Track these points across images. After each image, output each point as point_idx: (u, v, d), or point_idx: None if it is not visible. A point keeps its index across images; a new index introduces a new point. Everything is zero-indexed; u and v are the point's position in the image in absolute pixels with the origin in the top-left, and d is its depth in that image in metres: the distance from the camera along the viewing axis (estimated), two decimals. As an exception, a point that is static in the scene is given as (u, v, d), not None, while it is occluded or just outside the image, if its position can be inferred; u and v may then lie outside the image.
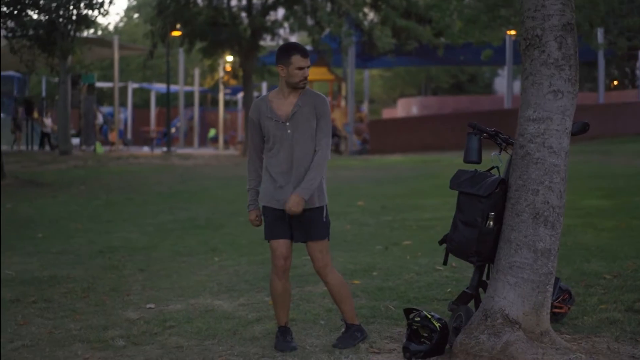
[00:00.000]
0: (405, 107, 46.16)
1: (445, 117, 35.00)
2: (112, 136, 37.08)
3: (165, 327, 6.23)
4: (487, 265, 5.51)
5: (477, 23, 23.49)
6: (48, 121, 34.07)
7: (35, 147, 35.73)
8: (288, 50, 5.36)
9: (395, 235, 10.52)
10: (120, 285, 7.77)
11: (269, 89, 49.09)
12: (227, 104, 46.10)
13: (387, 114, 51.20)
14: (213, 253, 9.43)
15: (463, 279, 7.52)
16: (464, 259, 5.44)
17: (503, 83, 55.71)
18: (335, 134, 31.54)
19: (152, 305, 6.91)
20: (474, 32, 23.69)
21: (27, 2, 27.57)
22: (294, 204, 5.28)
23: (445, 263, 5.67)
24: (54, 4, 27.31)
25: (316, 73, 34.35)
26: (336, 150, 31.29)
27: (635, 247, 9.03)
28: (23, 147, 35.32)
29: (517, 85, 49.18)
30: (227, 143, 39.75)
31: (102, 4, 27.76)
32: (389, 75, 53.88)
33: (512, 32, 28.37)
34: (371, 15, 29.75)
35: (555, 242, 5.18)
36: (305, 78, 5.34)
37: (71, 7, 27.88)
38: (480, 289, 5.57)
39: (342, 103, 34.41)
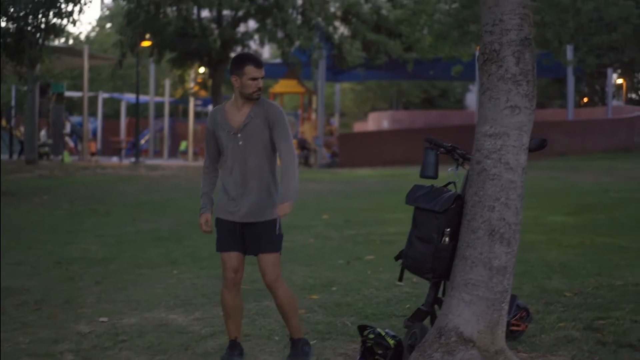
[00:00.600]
0: (376, 121, 46.21)
1: (415, 131, 35.06)
2: (92, 146, 36.75)
3: (117, 341, 6.10)
4: (443, 282, 5.44)
5: (448, 38, 23.55)
6: (22, 129, 33.74)
7: (5, 156, 35.36)
8: (242, 60, 5.29)
9: (358, 249, 10.44)
10: (74, 297, 7.62)
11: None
12: (198, 115, 45.90)
13: (358, 127, 51.23)
14: (172, 265, 9.30)
15: (423, 295, 7.40)
16: (419, 275, 5.37)
17: (473, 98, 56.03)
18: (304, 146, 31.49)
19: (105, 319, 6.77)
20: (444, 47, 23.76)
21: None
22: (283, 211, 5.27)
23: (400, 280, 5.59)
24: (23, 12, 27.09)
25: (286, 85, 34.34)
26: (305, 163, 31.21)
27: (598, 264, 9.01)
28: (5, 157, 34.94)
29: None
30: (197, 154, 39.53)
31: (71, 13, 27.59)
32: (360, 88, 53.94)
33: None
34: (342, 28, 29.73)
35: (511, 259, 5.11)
36: (259, 89, 5.27)
37: (40, 16, 27.68)
38: (437, 306, 5.50)
39: (313, 116, 34.36)
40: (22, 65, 28.75)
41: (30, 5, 26.47)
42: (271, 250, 5.41)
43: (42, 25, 27.88)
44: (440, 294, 5.50)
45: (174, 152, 42.88)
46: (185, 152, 40.87)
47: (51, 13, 27.59)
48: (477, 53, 29.95)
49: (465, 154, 5.47)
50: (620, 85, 51.17)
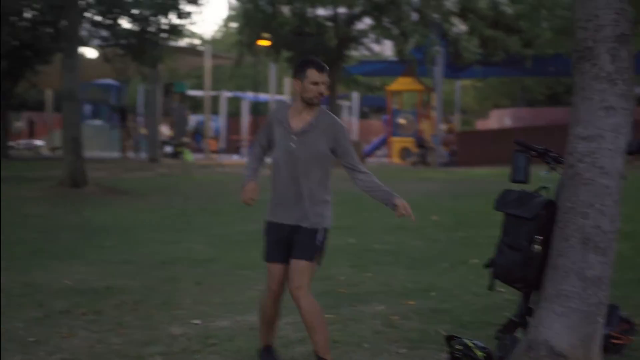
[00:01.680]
0: (498, 119, 45.31)
1: (538, 129, 34.19)
2: (212, 144, 37.45)
3: (207, 344, 6.08)
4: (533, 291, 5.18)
5: (569, 33, 22.80)
6: (164, 129, 34.63)
7: (130, 154, 36.35)
8: (304, 63, 5.16)
9: (465, 252, 10.16)
10: (172, 298, 7.66)
11: (361, 99, 49.00)
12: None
13: (480, 125, 50.40)
14: (274, 267, 9.25)
15: (524, 302, 7.15)
16: (509, 284, 5.14)
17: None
18: (422, 145, 31.14)
19: (198, 321, 6.76)
20: (564, 42, 23.04)
21: (120, 11, 28.14)
22: (406, 207, 5.25)
23: (490, 288, 5.35)
24: (146, 14, 27.78)
25: (404, 83, 34.04)
26: (423, 161, 30.87)
27: None
28: (131, 154, 35.91)
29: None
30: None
31: (190, 14, 28.14)
32: (481, 85, 53.04)
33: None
34: (458, 25, 29.24)
35: (607, 269, 4.82)
36: (320, 94, 5.11)
37: (161, 17, 28.34)
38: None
39: (432, 114, 33.97)
40: (145, 65, 29.54)
41: (152, 7, 27.14)
42: (303, 257, 5.19)
43: (164, 26, 28.57)
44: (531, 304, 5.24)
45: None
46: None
47: (172, 14, 28.24)
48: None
49: (558, 157, 5.20)
50: None
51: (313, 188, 5.19)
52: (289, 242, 5.25)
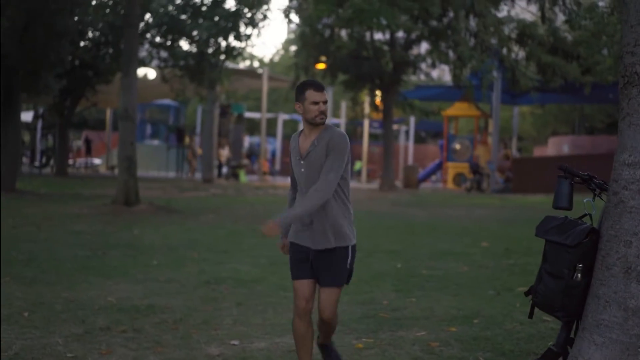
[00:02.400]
0: (556, 146, 44.76)
1: (596, 157, 33.69)
2: (265, 166, 37.67)
3: (243, 365, 6.03)
4: (576, 321, 5.03)
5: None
6: (225, 152, 34.91)
7: (186, 175, 36.69)
8: (302, 86, 5.23)
9: (512, 280, 9.98)
10: (213, 318, 7.63)
11: (417, 124, 48.81)
12: (373, 137, 46.06)
13: (537, 152, 49.85)
14: (317, 289, 9.18)
15: (570, 332, 6.98)
16: (549, 313, 5.00)
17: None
18: (477, 171, 30.87)
19: (236, 342, 6.72)
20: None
21: (179, 33, 28.53)
22: (264, 227, 5.15)
23: (530, 316, 5.22)
24: (205, 36, 28.12)
25: (461, 108, 33.86)
26: (478, 187, 30.59)
27: None
28: (197, 175, 36.17)
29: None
30: (369, 175, 39.62)
31: (249, 37, 28.42)
32: (539, 112, 52.52)
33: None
34: (516, 50, 28.98)
35: (650, 300, 4.66)
36: (322, 113, 5.14)
37: (220, 39, 28.66)
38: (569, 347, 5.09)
39: (489, 140, 33.69)
40: (203, 86, 29.87)
41: (211, 29, 27.45)
42: (334, 284, 5.25)
43: (222, 48, 28.90)
44: (573, 334, 5.10)
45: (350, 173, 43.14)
46: (359, 173, 41.04)
47: (231, 36, 28.56)
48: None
49: (603, 183, 5.06)
50: None
51: (329, 207, 5.17)
52: (314, 264, 5.27)
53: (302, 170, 5.23)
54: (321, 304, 5.29)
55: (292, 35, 65.38)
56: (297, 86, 5.31)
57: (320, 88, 5.19)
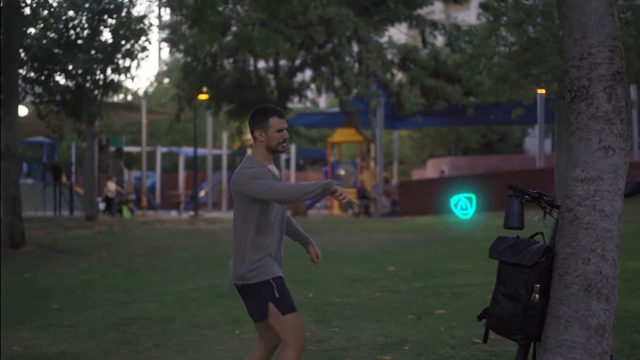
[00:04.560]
0: (435, 168, 45.60)
1: (475, 177, 34.43)
2: (143, 200, 36.82)
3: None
4: (532, 343, 4.91)
5: (507, 81, 23.02)
6: (112, 186, 33.81)
7: (65, 213, 35.49)
8: (264, 112, 5.02)
9: (428, 303, 9.90)
10: (132, 362, 7.23)
11: (297, 151, 48.89)
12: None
13: (416, 174, 50.65)
14: (234, 325, 8.86)
15: (503, 353, 6.91)
16: (506, 336, 4.85)
17: (533, 142, 55.14)
18: (364, 195, 31.02)
19: (165, 386, 6.36)
20: (504, 90, 23.23)
21: (54, 67, 27.62)
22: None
23: (485, 341, 5.07)
24: (81, 69, 27.32)
25: (344, 134, 34.02)
26: (366, 212, 30.72)
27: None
28: (65, 213, 34.98)
29: (547, 144, 48.53)
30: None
31: (128, 69, 27.77)
32: (418, 135, 53.49)
33: (542, 91, 27.82)
34: (399, 75, 29.37)
35: (610, 317, 4.60)
36: (284, 140, 5.03)
37: (98, 72, 27.91)
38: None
39: (371, 164, 33.94)
40: (81, 122, 28.97)
41: (88, 62, 26.69)
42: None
43: (100, 82, 28.14)
44: (529, 356, 4.97)
45: (232, 204, 42.75)
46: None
47: (109, 69, 27.84)
48: (538, 96, 29.47)
49: (552, 200, 4.97)
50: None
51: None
52: None
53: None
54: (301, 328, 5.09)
55: (165, 67, 64.66)
56: (256, 112, 5.06)
57: (282, 114, 5.04)
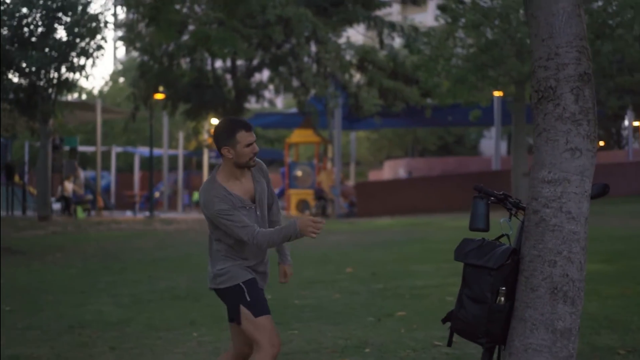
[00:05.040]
0: (392, 169, 45.71)
1: (432, 179, 34.55)
2: (99, 200, 36.37)
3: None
4: (497, 346, 4.86)
5: (465, 83, 23.12)
6: (70, 185, 33.25)
7: (18, 213, 34.93)
8: (230, 128, 4.77)
9: (388, 305, 9.84)
10: (88, 366, 7.06)
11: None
12: (211, 167, 45.52)
13: (373, 176, 50.72)
14: (192, 327, 8.73)
15: (464, 356, 6.86)
16: (471, 340, 4.78)
17: (488, 144, 55.51)
18: (322, 196, 30.94)
19: (121, 391, 6.21)
20: (462, 92, 23.33)
21: (7, 65, 27.14)
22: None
23: (449, 344, 5.01)
24: (35, 68, 26.87)
25: (302, 135, 33.90)
26: (323, 213, 30.65)
27: (647, 318, 8.41)
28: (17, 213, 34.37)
29: (503, 147, 48.88)
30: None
31: (83, 67, 27.36)
32: (375, 137, 53.57)
33: (499, 93, 28.00)
34: (357, 76, 29.34)
35: (576, 320, 4.56)
36: (255, 154, 4.79)
37: (52, 70, 27.47)
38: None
39: (328, 165, 33.88)
40: (35, 121, 28.51)
41: (41, 61, 26.26)
42: None
43: (55, 80, 27.70)
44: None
45: (188, 204, 42.42)
46: (198, 204, 40.34)
47: (63, 67, 27.41)
48: (495, 98, 29.64)
49: (518, 202, 4.92)
50: (637, 128, 50.61)
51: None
52: None
53: (258, 213, 4.90)
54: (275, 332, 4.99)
55: (121, 67, 64.06)
56: (221, 128, 4.82)
57: (249, 127, 4.81)
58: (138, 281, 12.57)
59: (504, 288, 4.59)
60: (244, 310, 4.80)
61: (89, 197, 34.33)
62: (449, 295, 10.28)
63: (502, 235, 4.90)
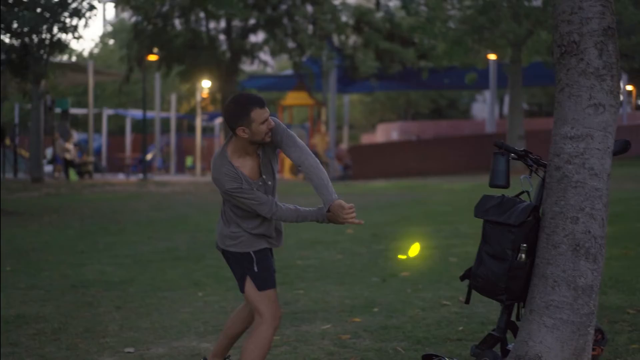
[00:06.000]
0: (385, 132, 45.63)
1: (425, 142, 34.48)
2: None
3: (147, 375, 5.50)
4: (515, 304, 4.83)
5: (462, 45, 23.00)
6: (70, 146, 33.00)
7: (9, 175, 34.78)
8: (244, 107, 4.54)
9: (391, 265, 9.82)
10: (95, 325, 7.01)
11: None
12: (203, 130, 45.37)
13: (365, 139, 50.63)
14: (196, 287, 8.69)
15: (473, 315, 6.84)
16: (491, 297, 4.76)
17: (480, 108, 55.46)
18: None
19: (131, 349, 6.17)
20: (458, 54, 23.21)
21: (-2, 25, 26.85)
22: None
23: (467, 302, 4.97)
24: (27, 28, 26.59)
25: (296, 98, 33.77)
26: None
27: (650, 277, 8.43)
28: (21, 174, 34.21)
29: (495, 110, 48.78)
30: (205, 170, 38.95)
31: (76, 28, 27.10)
32: (368, 100, 53.39)
33: (494, 56, 27.84)
34: (354, 38, 29.11)
35: (598, 277, 4.52)
36: (270, 130, 4.59)
37: (44, 31, 27.19)
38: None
39: (322, 128, 33.78)
40: (27, 82, 28.28)
41: (33, 21, 25.98)
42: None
43: (47, 41, 27.43)
44: (513, 317, 4.89)
45: (180, 167, 42.33)
46: (192, 168, 40.26)
47: (55, 28, 27.13)
48: (490, 62, 29.51)
49: (539, 159, 4.87)
50: (630, 92, 50.61)
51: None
52: None
53: (270, 183, 4.72)
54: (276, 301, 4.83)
55: (110, 29, 63.48)
56: (234, 107, 4.59)
57: (263, 103, 4.59)
58: (137, 242, 12.52)
59: (525, 245, 4.55)
60: (249, 280, 4.71)
61: (91, 159, 34.10)
62: (451, 256, 10.28)
63: (522, 192, 4.85)
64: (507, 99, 48.71)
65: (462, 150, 28.56)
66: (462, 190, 20.99)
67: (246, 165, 4.65)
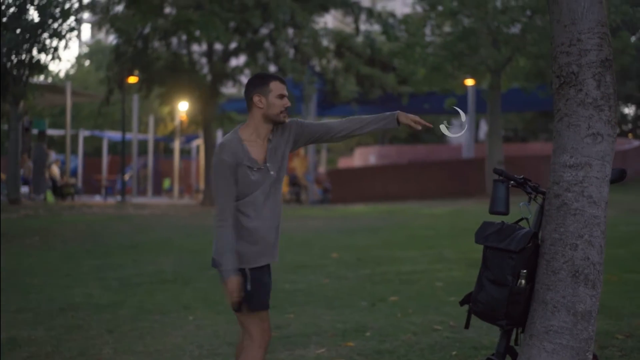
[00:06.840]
0: (363, 156, 45.78)
1: (402, 166, 34.66)
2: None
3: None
4: (514, 329, 4.91)
5: (441, 71, 23.22)
6: (57, 170, 32.79)
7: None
8: (265, 76, 4.61)
9: (379, 290, 9.89)
10: (88, 348, 7.03)
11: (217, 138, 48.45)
12: (180, 152, 45.32)
13: (343, 163, 50.77)
14: (186, 311, 8.71)
15: (465, 339, 6.92)
16: (491, 322, 4.83)
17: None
18: (295, 183, 30.95)
19: (128, 373, 6.19)
20: (438, 80, 23.42)
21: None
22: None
23: (467, 327, 5.05)
24: (5, 48, 26.53)
25: (275, 121, 33.78)
26: (297, 199, 30.66)
27: (636, 303, 8.55)
28: None
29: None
30: (182, 193, 38.88)
31: (56, 49, 27.07)
32: (346, 124, 53.45)
33: (472, 82, 28.08)
34: (334, 62, 29.29)
35: (596, 303, 4.62)
36: (287, 109, 4.59)
37: (24, 52, 27.13)
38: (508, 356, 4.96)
39: (302, 151, 33.88)
40: (6, 103, 28.15)
41: (13, 41, 25.95)
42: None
43: (26, 62, 27.35)
44: (511, 342, 4.97)
45: (157, 190, 42.19)
46: (170, 190, 40.16)
47: (35, 49, 27.08)
48: (468, 87, 29.76)
49: (537, 186, 4.97)
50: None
51: (280, 206, 4.79)
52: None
53: (272, 173, 4.58)
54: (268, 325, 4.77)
55: (86, 50, 63.31)
56: (256, 76, 4.65)
57: (284, 81, 4.64)
58: (123, 265, 12.50)
59: (525, 271, 4.64)
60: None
61: (73, 181, 33.91)
62: (437, 281, 10.36)
63: (522, 219, 4.95)
64: (482, 124, 49.10)
65: (440, 175, 28.79)
66: (442, 214, 21.12)
67: (254, 146, 4.55)
